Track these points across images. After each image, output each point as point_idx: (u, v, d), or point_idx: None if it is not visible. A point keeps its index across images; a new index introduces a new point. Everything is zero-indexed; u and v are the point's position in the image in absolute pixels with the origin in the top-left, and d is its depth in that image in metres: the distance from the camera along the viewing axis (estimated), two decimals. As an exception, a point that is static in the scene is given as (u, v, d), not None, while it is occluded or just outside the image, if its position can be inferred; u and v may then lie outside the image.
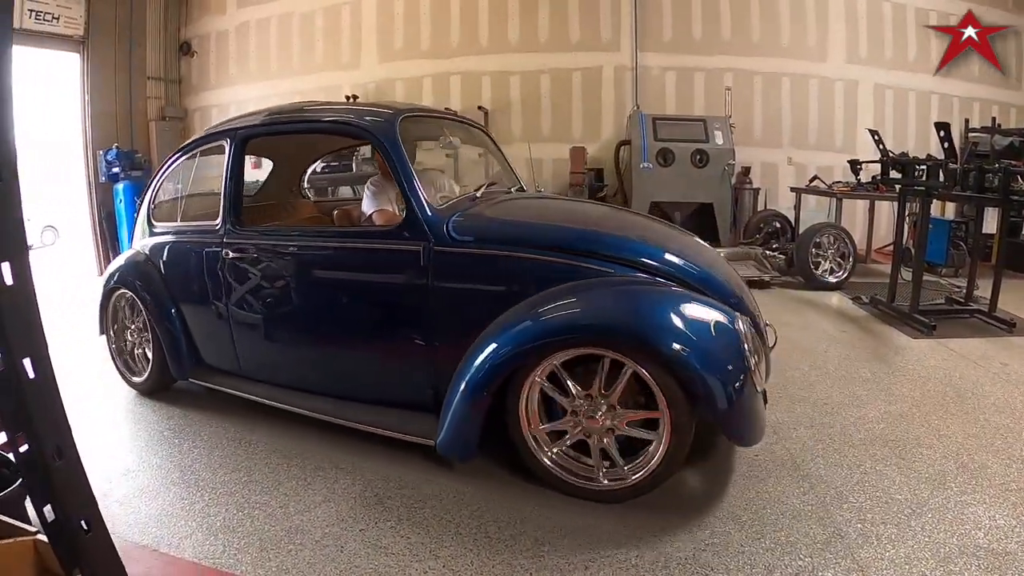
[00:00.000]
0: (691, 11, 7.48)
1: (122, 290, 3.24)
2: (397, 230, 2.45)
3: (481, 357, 2.14)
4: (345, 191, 7.88)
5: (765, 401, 2.27)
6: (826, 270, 5.69)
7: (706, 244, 3.02)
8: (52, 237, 9.91)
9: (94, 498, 1.18)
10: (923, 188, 4.55)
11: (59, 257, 8.83)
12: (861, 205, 7.11)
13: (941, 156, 4.40)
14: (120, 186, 7.58)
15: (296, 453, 2.62)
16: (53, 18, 8.17)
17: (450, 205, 2.59)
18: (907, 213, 5.14)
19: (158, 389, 3.27)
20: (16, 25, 7.70)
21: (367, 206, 2.93)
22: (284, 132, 3.01)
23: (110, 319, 3.39)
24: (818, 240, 5.66)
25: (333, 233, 2.88)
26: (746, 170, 7.12)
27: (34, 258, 1.13)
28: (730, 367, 2.02)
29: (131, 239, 3.73)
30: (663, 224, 3.11)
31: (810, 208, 6.74)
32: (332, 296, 2.67)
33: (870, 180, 5.68)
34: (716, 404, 1.98)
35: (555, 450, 2.23)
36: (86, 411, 3.11)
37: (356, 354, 2.71)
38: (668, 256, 2.41)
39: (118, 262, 3.37)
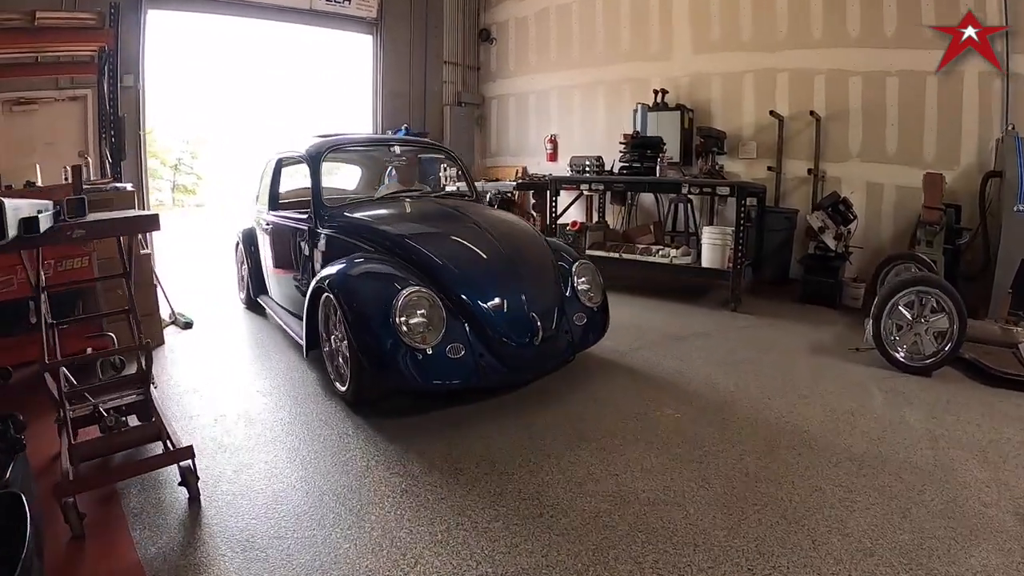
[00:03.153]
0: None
1: (239, 244, 5.47)
2: (308, 215, 3.94)
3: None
4: (647, 197, 8.07)
5: (484, 375, 2.99)
6: None
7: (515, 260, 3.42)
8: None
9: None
10: None
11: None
12: None
13: None
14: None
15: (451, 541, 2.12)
16: (346, 0, 8.71)
17: (348, 203, 4.11)
18: None
19: (249, 305, 5.39)
20: (307, 7, 8.41)
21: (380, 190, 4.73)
22: (290, 159, 4.65)
23: (237, 260, 5.69)
24: None
25: (291, 215, 4.36)
26: None
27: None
28: (372, 317, 2.93)
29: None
30: (487, 237, 3.51)
31: None
32: (287, 248, 4.32)
33: None
34: (357, 337, 2.94)
35: (331, 346, 3.34)
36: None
37: (294, 286, 4.26)
38: (416, 249, 3.31)
39: (243, 226, 5.49)
